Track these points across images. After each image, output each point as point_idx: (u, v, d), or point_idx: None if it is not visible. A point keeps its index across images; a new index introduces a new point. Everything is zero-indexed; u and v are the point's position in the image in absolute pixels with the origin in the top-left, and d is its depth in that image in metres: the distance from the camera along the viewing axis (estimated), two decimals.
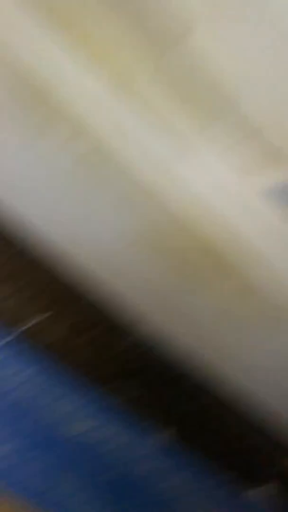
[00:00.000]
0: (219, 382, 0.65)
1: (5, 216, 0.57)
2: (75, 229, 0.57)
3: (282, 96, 0.47)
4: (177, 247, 0.56)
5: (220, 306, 0.60)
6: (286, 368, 0.63)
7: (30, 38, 0.47)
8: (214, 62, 0.46)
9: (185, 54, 0.45)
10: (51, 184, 0.55)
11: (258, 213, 0.54)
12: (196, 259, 0.57)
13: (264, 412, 0.67)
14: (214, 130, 0.50)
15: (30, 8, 0.45)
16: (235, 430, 0.67)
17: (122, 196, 0.53)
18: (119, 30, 0.45)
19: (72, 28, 0.46)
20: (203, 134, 0.50)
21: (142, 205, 0.54)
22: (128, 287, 0.59)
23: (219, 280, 0.58)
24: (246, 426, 0.67)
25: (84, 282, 0.60)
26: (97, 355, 0.61)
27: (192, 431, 0.63)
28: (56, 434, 0.61)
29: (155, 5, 0.44)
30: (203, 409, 0.65)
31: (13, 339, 0.60)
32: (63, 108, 0.49)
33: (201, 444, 0.65)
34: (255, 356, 0.63)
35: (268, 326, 0.61)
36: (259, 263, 0.56)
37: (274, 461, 0.69)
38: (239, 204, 0.54)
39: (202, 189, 0.53)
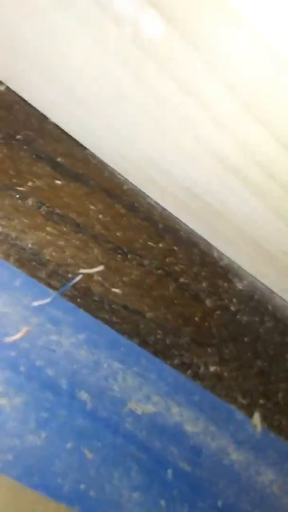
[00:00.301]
0: None
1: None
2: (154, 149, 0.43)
3: None
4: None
5: None
6: None
7: None
8: None
9: None
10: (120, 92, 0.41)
11: None
12: None
13: None
14: None
15: None
16: None
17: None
18: None
19: None
20: None
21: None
22: (212, 234, 0.46)
23: None
24: None
25: (157, 225, 0.46)
26: (167, 319, 0.48)
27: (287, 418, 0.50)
28: (107, 419, 0.48)
29: None
30: None
31: (59, 295, 0.47)
32: None
33: None
34: None
35: None
36: None
37: None
38: None
39: None
